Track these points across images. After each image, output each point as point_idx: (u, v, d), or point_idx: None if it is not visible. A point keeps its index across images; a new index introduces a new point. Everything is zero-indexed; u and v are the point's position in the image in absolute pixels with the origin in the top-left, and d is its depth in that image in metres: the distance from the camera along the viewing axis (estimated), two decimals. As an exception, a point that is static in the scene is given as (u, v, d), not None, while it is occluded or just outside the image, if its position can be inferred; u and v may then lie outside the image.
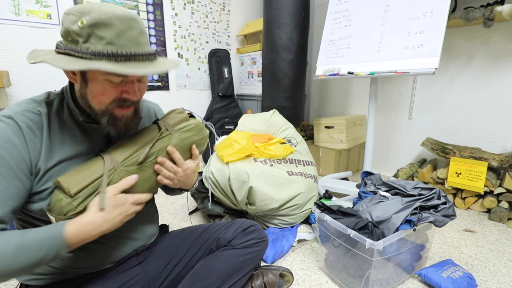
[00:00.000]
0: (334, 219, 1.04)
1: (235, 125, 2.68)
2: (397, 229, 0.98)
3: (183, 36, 2.59)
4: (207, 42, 2.77)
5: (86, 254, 0.70)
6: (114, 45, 0.56)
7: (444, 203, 1.04)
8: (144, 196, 0.67)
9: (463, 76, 1.96)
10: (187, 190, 0.88)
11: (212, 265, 0.81)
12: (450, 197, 1.75)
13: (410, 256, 1.11)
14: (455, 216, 1.04)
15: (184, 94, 2.68)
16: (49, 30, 1.90)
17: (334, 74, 1.83)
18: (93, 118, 0.66)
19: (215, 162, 1.49)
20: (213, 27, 2.79)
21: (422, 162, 2.15)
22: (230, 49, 2.94)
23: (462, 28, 1.91)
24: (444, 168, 1.85)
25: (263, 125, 1.73)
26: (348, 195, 1.74)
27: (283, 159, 1.55)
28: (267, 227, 1.45)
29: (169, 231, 0.97)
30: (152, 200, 0.89)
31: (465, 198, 1.79)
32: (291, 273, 1.09)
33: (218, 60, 2.77)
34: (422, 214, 1.01)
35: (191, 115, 0.80)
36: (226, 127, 2.78)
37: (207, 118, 2.73)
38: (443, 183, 1.85)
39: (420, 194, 1.10)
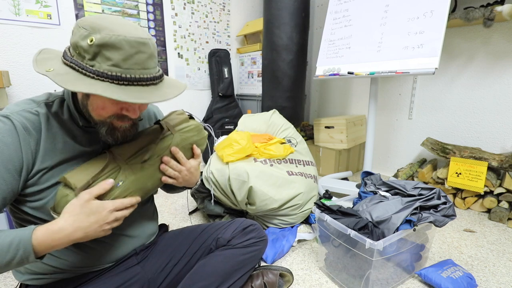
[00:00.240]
0: (334, 219, 1.04)
1: (235, 125, 2.68)
2: (397, 229, 0.97)
3: (183, 36, 2.59)
4: (207, 42, 2.77)
5: (86, 253, 0.70)
6: (119, 68, 0.55)
7: (444, 203, 1.04)
8: (129, 201, 0.64)
9: (463, 76, 1.96)
10: (190, 188, 0.88)
11: (211, 265, 0.81)
12: (450, 197, 1.75)
13: (410, 256, 1.11)
14: (455, 216, 1.04)
15: (184, 94, 2.68)
16: (49, 30, 1.90)
17: (334, 74, 1.83)
18: (91, 124, 0.67)
19: (215, 162, 1.49)
20: (213, 27, 2.79)
21: (422, 162, 2.15)
22: (230, 49, 2.94)
23: (462, 28, 1.91)
24: (444, 168, 1.85)
25: (263, 125, 1.73)
26: (348, 195, 1.74)
27: (283, 159, 1.55)
28: (267, 227, 1.45)
29: (169, 230, 0.97)
30: (151, 200, 0.89)
31: (465, 198, 1.79)
32: (291, 273, 1.09)
33: (218, 60, 2.77)
34: (422, 214, 1.01)
35: (191, 117, 0.82)
36: (226, 127, 2.78)
37: (207, 118, 2.73)
38: (443, 183, 1.85)
39: (420, 194, 1.10)
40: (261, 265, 1.13)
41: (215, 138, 1.45)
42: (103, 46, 0.54)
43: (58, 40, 1.94)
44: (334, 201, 1.50)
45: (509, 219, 1.59)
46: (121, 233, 0.75)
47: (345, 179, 2.25)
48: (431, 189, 1.10)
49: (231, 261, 0.83)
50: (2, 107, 1.59)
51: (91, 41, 0.54)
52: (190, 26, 2.62)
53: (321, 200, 1.29)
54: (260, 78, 2.67)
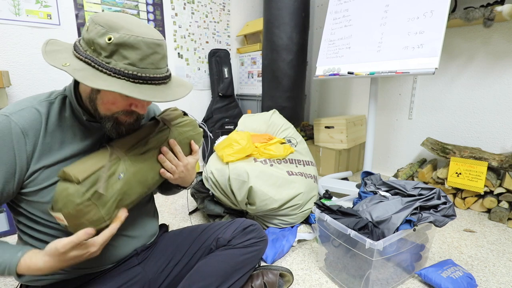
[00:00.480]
0: (334, 219, 1.04)
1: (235, 125, 2.68)
2: (397, 229, 0.98)
3: (183, 36, 2.59)
4: (207, 42, 2.77)
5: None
6: (135, 67, 0.57)
7: (444, 203, 1.04)
8: (102, 238, 0.60)
9: (463, 76, 1.96)
10: (186, 188, 0.89)
11: (211, 265, 0.81)
12: (450, 197, 1.75)
13: (410, 256, 1.11)
14: (455, 216, 1.04)
15: (184, 94, 2.68)
16: (49, 30, 1.90)
17: (334, 74, 1.83)
18: (96, 118, 0.67)
19: (215, 162, 1.49)
20: (213, 27, 2.79)
21: (422, 162, 2.15)
22: (230, 49, 2.94)
23: (462, 28, 1.91)
24: (444, 168, 1.85)
25: (263, 125, 1.73)
26: (348, 195, 1.74)
27: (283, 159, 1.55)
28: (267, 227, 1.45)
29: (169, 230, 0.97)
30: (152, 200, 0.89)
31: (465, 198, 1.79)
32: (291, 273, 1.09)
33: (218, 60, 2.77)
34: (422, 214, 1.01)
35: (185, 114, 0.83)
36: (226, 127, 2.78)
37: (207, 118, 2.73)
38: (443, 183, 1.85)
39: (420, 194, 1.10)
40: (261, 265, 1.13)
41: (210, 135, 1.46)
42: (121, 45, 0.56)
43: (58, 40, 1.94)
44: (334, 201, 1.50)
45: (509, 219, 1.59)
46: (122, 233, 0.75)
47: (345, 179, 2.25)
48: (431, 189, 1.10)
49: (231, 261, 0.83)
50: (2, 107, 1.59)
51: (110, 39, 0.55)
52: (190, 26, 2.62)
53: (321, 200, 1.29)
54: (260, 78, 2.67)
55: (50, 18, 1.90)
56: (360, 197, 1.26)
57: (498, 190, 1.63)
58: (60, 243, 0.54)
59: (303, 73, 2.16)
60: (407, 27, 1.53)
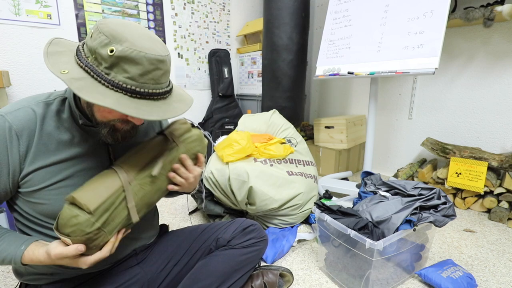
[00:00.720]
0: (334, 219, 1.04)
1: (235, 125, 2.68)
2: (397, 229, 0.98)
3: (183, 36, 2.59)
4: (207, 42, 2.77)
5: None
6: (134, 82, 0.56)
7: (444, 203, 1.04)
8: (93, 259, 0.60)
9: (463, 76, 1.96)
10: (188, 193, 0.88)
11: (211, 265, 0.81)
12: (450, 197, 1.75)
13: (410, 256, 1.11)
14: (455, 216, 1.04)
15: (184, 94, 2.68)
16: (49, 30, 1.90)
17: (334, 74, 1.83)
18: (93, 123, 0.66)
19: (215, 162, 1.49)
20: (213, 27, 2.79)
21: (422, 162, 2.15)
22: (230, 49, 2.94)
23: (462, 28, 1.91)
24: (444, 168, 1.85)
25: (263, 125, 1.73)
26: (348, 195, 1.74)
27: (283, 159, 1.55)
28: (267, 227, 1.45)
29: (169, 231, 0.97)
30: None
31: (465, 198, 1.79)
32: (291, 273, 1.09)
33: (218, 60, 2.77)
34: (422, 214, 1.01)
35: (192, 125, 0.82)
36: (226, 127, 2.78)
37: (207, 118, 2.73)
38: (443, 183, 1.85)
39: (420, 194, 1.10)
40: (261, 265, 1.13)
41: (213, 143, 1.46)
42: (122, 58, 0.54)
43: (58, 40, 1.94)
44: (334, 201, 1.50)
45: (509, 219, 1.58)
46: (123, 238, 0.75)
47: (345, 179, 2.25)
48: (431, 189, 1.10)
49: (231, 261, 0.83)
50: (1, 107, 1.59)
51: (112, 51, 0.54)
52: (190, 26, 2.62)
53: (321, 200, 1.29)
54: (260, 78, 2.67)
55: (50, 18, 1.90)
56: (360, 197, 1.26)
57: (498, 190, 1.63)
58: (54, 251, 0.56)
59: (303, 73, 2.16)
60: (407, 27, 1.53)
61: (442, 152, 1.90)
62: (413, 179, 2.04)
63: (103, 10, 2.11)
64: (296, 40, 2.04)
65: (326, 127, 2.37)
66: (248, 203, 1.38)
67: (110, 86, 0.55)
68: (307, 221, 1.51)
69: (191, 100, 0.70)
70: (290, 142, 1.69)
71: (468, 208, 1.80)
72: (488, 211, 1.71)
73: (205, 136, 0.86)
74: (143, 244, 0.83)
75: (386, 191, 1.20)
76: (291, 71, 2.08)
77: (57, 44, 0.61)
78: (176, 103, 0.64)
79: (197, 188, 1.55)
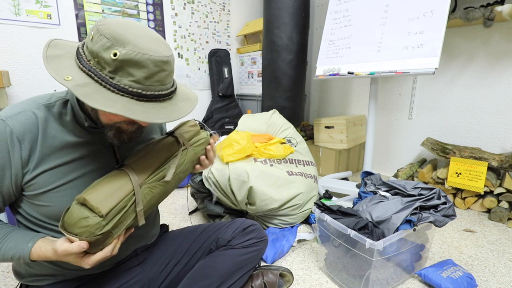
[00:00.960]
0: (334, 219, 1.04)
1: (235, 125, 2.68)
2: (397, 229, 0.97)
3: (183, 36, 2.59)
4: (207, 42, 2.77)
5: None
6: (140, 85, 0.55)
7: (444, 203, 1.04)
8: (96, 259, 0.60)
9: (463, 76, 1.96)
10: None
11: (211, 265, 0.82)
12: (450, 197, 1.75)
13: (410, 256, 1.11)
14: (455, 216, 1.04)
15: (184, 94, 2.68)
16: (49, 30, 1.90)
17: (334, 74, 1.83)
18: (98, 125, 0.66)
19: (215, 162, 1.49)
20: (213, 27, 2.79)
21: (422, 162, 2.15)
22: (230, 49, 2.94)
23: (462, 28, 1.91)
24: (444, 168, 1.85)
25: (263, 125, 1.73)
26: (348, 195, 1.74)
27: (283, 159, 1.55)
28: (267, 227, 1.45)
29: (169, 231, 0.97)
30: None
31: (465, 198, 1.79)
32: (291, 273, 1.09)
33: (218, 60, 2.77)
34: (422, 214, 1.01)
35: (201, 127, 0.83)
36: (226, 127, 2.78)
37: (207, 118, 2.73)
38: (443, 183, 1.85)
39: (420, 194, 1.10)
40: (261, 265, 1.13)
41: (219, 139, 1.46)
42: (127, 62, 0.53)
43: (58, 40, 1.94)
44: (334, 201, 1.50)
45: (509, 219, 1.58)
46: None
47: (345, 179, 2.25)
48: (431, 189, 1.10)
49: (231, 261, 0.83)
50: (2, 108, 1.59)
51: (115, 55, 0.53)
52: (190, 26, 2.62)
53: (321, 200, 1.29)
54: (260, 78, 2.67)
55: (50, 18, 1.90)
56: (360, 197, 1.26)
57: (498, 190, 1.63)
58: (60, 247, 0.56)
59: (303, 73, 2.16)
60: (407, 27, 1.53)
61: (442, 152, 1.90)
62: (413, 179, 2.04)
63: (103, 10, 2.11)
64: (296, 40, 2.04)
65: (326, 127, 2.37)
66: (248, 203, 1.38)
67: (116, 90, 0.54)
68: (307, 221, 1.51)
69: (196, 97, 0.70)
70: (290, 142, 1.69)
71: (468, 208, 1.80)
72: (488, 211, 1.71)
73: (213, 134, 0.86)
74: (144, 244, 0.83)
75: (386, 191, 1.20)
76: (291, 71, 2.08)
77: (55, 46, 0.60)
78: (182, 103, 0.64)
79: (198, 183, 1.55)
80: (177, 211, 1.78)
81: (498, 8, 1.57)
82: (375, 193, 1.21)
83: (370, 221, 1.03)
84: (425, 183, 1.70)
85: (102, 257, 0.59)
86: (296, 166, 1.57)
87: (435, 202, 1.04)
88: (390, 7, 1.63)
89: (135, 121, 0.62)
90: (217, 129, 2.74)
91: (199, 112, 2.79)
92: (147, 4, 2.32)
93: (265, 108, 2.23)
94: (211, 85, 2.80)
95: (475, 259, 1.27)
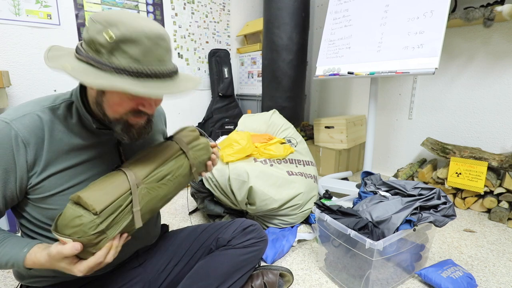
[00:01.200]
0: (334, 219, 1.04)
1: (235, 125, 2.68)
2: (397, 229, 0.97)
3: (183, 36, 2.59)
4: (207, 42, 2.77)
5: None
6: (138, 63, 0.54)
7: (444, 203, 1.04)
8: (87, 266, 0.56)
9: (463, 76, 1.96)
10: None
11: (211, 265, 0.82)
12: (450, 197, 1.74)
13: (410, 256, 1.11)
14: (455, 216, 1.04)
15: (184, 94, 2.68)
16: (49, 30, 1.90)
17: (334, 74, 1.83)
18: (106, 124, 0.65)
19: (215, 162, 1.49)
20: (213, 27, 2.79)
21: (422, 162, 2.15)
22: (230, 49, 2.94)
23: (462, 28, 1.91)
24: (444, 168, 1.85)
25: (263, 125, 1.73)
26: (348, 195, 1.74)
27: (283, 159, 1.55)
28: (267, 227, 1.45)
29: (169, 231, 0.97)
30: None
31: (465, 198, 1.79)
32: (291, 273, 1.09)
33: (218, 60, 2.77)
34: (422, 214, 1.01)
35: (201, 133, 0.83)
36: (226, 127, 2.78)
37: (207, 118, 2.73)
38: (443, 183, 1.84)
39: (420, 194, 1.10)
40: (261, 265, 1.13)
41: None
42: (122, 41, 0.53)
43: (58, 40, 1.94)
44: (334, 201, 1.50)
45: (509, 219, 1.58)
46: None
47: (345, 179, 2.25)
48: (431, 189, 1.10)
49: (231, 261, 0.83)
50: (2, 108, 1.59)
51: (109, 36, 0.52)
52: (190, 26, 2.62)
53: (321, 200, 1.29)
54: (260, 78, 2.67)
55: (50, 18, 1.90)
56: (360, 197, 1.26)
57: (498, 190, 1.63)
58: (53, 250, 0.53)
59: (303, 73, 2.16)
60: (407, 27, 1.53)
61: (442, 152, 1.90)
62: (413, 179, 2.04)
63: (103, 10, 2.11)
64: (296, 40, 2.04)
65: (326, 127, 2.37)
66: (248, 203, 1.38)
67: (115, 71, 0.54)
68: (307, 221, 1.51)
69: (199, 79, 0.69)
70: (290, 142, 1.69)
71: (468, 208, 1.80)
72: (488, 211, 1.71)
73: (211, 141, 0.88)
74: (145, 245, 0.83)
75: (386, 191, 1.20)
76: (291, 71, 2.08)
77: (56, 50, 0.61)
78: (184, 82, 0.63)
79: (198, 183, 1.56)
80: (177, 211, 1.78)
81: (498, 8, 1.57)
82: (375, 193, 1.21)
83: (370, 221, 1.03)
84: (425, 183, 1.70)
85: (94, 263, 0.55)
86: (296, 166, 1.57)
87: (435, 202, 1.04)
88: (390, 7, 1.63)
89: (141, 109, 0.61)
90: (217, 129, 2.74)
91: (199, 112, 2.79)
92: (147, 4, 2.32)
93: (265, 108, 2.23)
94: (211, 85, 2.80)
95: (475, 259, 1.27)
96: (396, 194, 1.17)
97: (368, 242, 0.91)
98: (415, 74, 1.47)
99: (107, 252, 0.56)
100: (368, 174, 1.33)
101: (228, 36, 2.92)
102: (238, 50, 2.94)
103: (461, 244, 1.40)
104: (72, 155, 0.63)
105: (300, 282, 1.13)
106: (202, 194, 1.58)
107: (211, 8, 2.74)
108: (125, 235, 0.61)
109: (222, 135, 1.92)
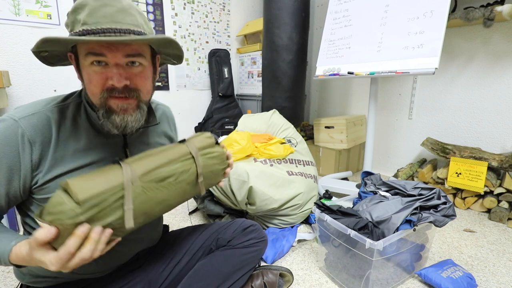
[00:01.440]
0: (334, 219, 1.04)
1: (235, 125, 2.68)
2: (397, 229, 0.98)
3: (183, 36, 2.59)
4: (207, 42, 2.77)
5: (91, 262, 0.69)
6: (87, 25, 0.55)
7: (444, 203, 1.04)
8: (58, 256, 0.47)
9: (463, 76, 1.96)
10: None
11: (211, 265, 0.82)
12: (450, 197, 1.75)
13: (410, 256, 1.11)
14: (455, 216, 1.04)
15: (184, 94, 2.68)
16: (49, 30, 1.90)
17: (334, 74, 1.83)
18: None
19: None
20: (213, 27, 2.79)
21: (422, 162, 2.15)
22: (230, 49, 2.94)
23: (462, 28, 1.91)
24: (444, 168, 1.85)
25: (263, 125, 1.73)
26: (348, 195, 1.74)
27: (283, 159, 1.55)
28: (267, 227, 1.45)
29: (169, 231, 0.97)
30: None
31: (465, 198, 1.79)
32: (291, 273, 1.09)
33: (218, 60, 2.77)
34: (422, 214, 1.01)
35: (217, 143, 0.77)
36: (226, 127, 2.78)
37: (207, 118, 2.73)
38: (443, 183, 1.85)
39: (420, 194, 1.10)
40: (261, 265, 1.13)
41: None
42: (74, 11, 0.56)
43: (58, 40, 1.94)
44: (334, 201, 1.50)
45: (509, 219, 1.58)
46: (129, 238, 0.73)
47: (345, 179, 2.25)
48: (431, 189, 1.10)
49: (231, 262, 0.83)
50: (2, 108, 1.58)
51: (67, 14, 0.58)
52: (190, 26, 2.62)
53: (321, 200, 1.29)
54: (260, 78, 2.67)
55: (50, 18, 1.90)
56: (360, 197, 1.26)
57: (498, 190, 1.63)
58: (31, 238, 0.48)
59: (303, 73, 2.16)
60: (407, 27, 1.53)
61: (442, 152, 1.90)
62: (413, 179, 2.04)
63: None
64: (296, 40, 2.04)
65: (326, 127, 2.37)
66: (248, 203, 1.38)
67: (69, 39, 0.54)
68: (307, 221, 1.51)
69: (169, 37, 0.62)
70: (290, 142, 1.69)
71: (468, 208, 1.80)
72: (488, 211, 1.71)
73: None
74: (146, 248, 0.83)
75: (386, 191, 1.20)
76: (291, 71, 2.08)
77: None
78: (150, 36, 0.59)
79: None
80: (177, 211, 1.78)
81: (498, 8, 1.57)
82: (375, 193, 1.21)
83: (370, 221, 1.03)
84: (425, 183, 1.70)
85: (64, 253, 0.47)
86: (296, 166, 1.57)
87: (435, 202, 1.04)
88: (390, 7, 1.63)
89: (114, 87, 0.58)
90: (217, 129, 2.74)
91: (199, 112, 2.80)
92: (147, 4, 2.32)
93: (265, 108, 2.23)
94: (211, 85, 2.80)
95: (475, 259, 1.27)
96: (396, 194, 1.17)
97: (368, 242, 0.91)
98: (415, 74, 1.47)
99: (78, 243, 0.48)
100: (368, 174, 1.33)
101: (228, 36, 2.92)
102: (238, 50, 2.94)
103: (461, 244, 1.40)
104: (79, 156, 0.63)
105: (300, 282, 1.13)
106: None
107: (211, 8, 2.74)
108: (109, 231, 0.52)
109: (222, 135, 1.92)
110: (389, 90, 2.37)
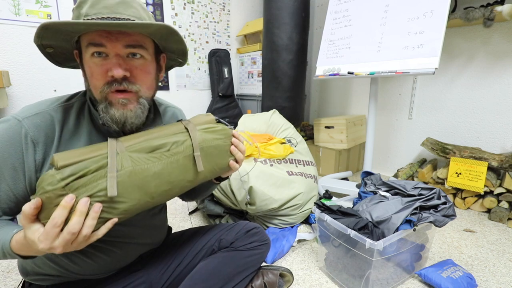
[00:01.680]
0: (334, 219, 1.04)
1: (235, 125, 2.68)
2: (397, 229, 0.98)
3: (183, 36, 2.59)
4: (207, 42, 2.77)
5: (94, 261, 0.69)
6: (88, 16, 0.56)
7: (444, 203, 1.04)
8: (47, 232, 0.46)
9: (463, 76, 1.97)
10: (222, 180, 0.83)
11: (213, 266, 0.81)
12: (450, 197, 1.75)
13: (410, 256, 1.11)
14: (455, 216, 1.04)
15: (184, 94, 2.68)
16: (49, 30, 1.90)
17: (334, 74, 1.83)
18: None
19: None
20: (213, 27, 2.79)
21: (422, 162, 2.15)
22: (230, 49, 2.94)
23: (462, 28, 1.91)
24: (444, 168, 1.85)
25: (263, 125, 1.73)
26: (348, 195, 1.74)
27: (283, 159, 1.55)
28: (267, 227, 1.45)
29: (172, 232, 0.97)
30: (164, 210, 0.87)
31: (465, 198, 1.79)
32: (291, 273, 1.09)
33: (218, 60, 2.77)
34: (422, 214, 1.01)
35: (218, 121, 0.74)
36: (226, 127, 2.78)
37: (207, 118, 2.73)
38: (443, 183, 1.85)
39: (420, 194, 1.10)
40: (261, 265, 1.13)
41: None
42: (78, 6, 0.58)
43: (58, 40, 1.94)
44: (334, 201, 1.50)
45: (509, 219, 1.59)
46: (132, 241, 0.74)
47: (345, 179, 2.25)
48: (431, 189, 1.10)
49: (233, 264, 0.83)
50: (2, 107, 1.59)
51: (73, 9, 0.59)
52: (190, 26, 2.62)
53: (321, 200, 1.29)
54: (260, 78, 2.67)
55: (50, 18, 1.90)
56: (360, 197, 1.26)
57: (498, 190, 1.63)
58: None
59: (303, 73, 2.16)
60: (407, 27, 1.53)
61: (442, 152, 1.90)
62: (413, 179, 2.04)
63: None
64: (296, 40, 2.04)
65: (326, 127, 2.37)
66: (248, 203, 1.38)
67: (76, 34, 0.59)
68: (307, 221, 1.51)
69: (162, 23, 0.61)
70: (290, 142, 1.69)
71: (468, 208, 1.80)
72: (488, 211, 1.71)
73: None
74: (150, 250, 0.83)
75: (386, 191, 1.20)
76: (291, 71, 2.08)
77: None
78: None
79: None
80: (177, 211, 1.78)
81: (498, 8, 1.57)
82: (375, 193, 1.21)
83: (370, 221, 1.04)
84: (425, 183, 1.70)
85: (51, 226, 0.45)
86: (296, 166, 1.57)
87: (435, 202, 1.05)
88: (390, 7, 1.63)
89: (114, 79, 0.58)
90: (217, 129, 2.73)
91: (199, 112, 2.80)
92: (147, 4, 2.32)
93: (265, 108, 2.23)
94: (211, 85, 2.80)
95: (475, 259, 1.27)
96: (396, 194, 1.17)
97: (368, 242, 0.91)
98: (415, 74, 1.47)
99: (64, 214, 0.46)
100: (368, 174, 1.33)
101: (228, 36, 2.92)
102: (238, 50, 2.94)
103: (461, 244, 1.40)
104: None
105: (300, 282, 1.13)
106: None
107: (211, 8, 2.74)
108: (99, 205, 0.49)
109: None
110: (389, 90, 2.37)
